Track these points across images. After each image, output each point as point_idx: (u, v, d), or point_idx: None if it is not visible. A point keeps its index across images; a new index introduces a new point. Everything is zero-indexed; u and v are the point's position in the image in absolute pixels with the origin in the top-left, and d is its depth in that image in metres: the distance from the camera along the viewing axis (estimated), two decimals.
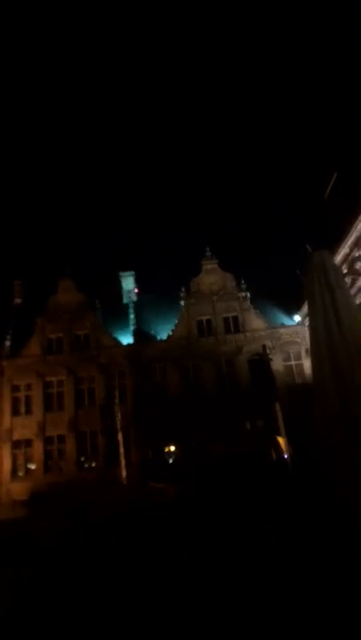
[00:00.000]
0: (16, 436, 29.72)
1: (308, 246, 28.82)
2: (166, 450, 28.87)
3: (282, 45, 60.92)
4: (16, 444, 29.72)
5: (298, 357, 29.71)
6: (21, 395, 30.54)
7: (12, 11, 56.34)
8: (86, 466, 29.34)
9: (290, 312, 30.35)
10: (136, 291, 34.00)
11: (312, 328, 5.69)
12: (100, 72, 69.02)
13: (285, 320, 30.58)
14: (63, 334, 31.31)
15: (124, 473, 25.48)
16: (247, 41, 62.92)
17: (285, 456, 26.71)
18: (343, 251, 26.33)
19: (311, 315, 5.81)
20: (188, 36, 64.12)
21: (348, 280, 26.40)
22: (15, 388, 30.55)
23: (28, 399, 30.44)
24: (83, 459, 29.52)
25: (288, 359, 29.79)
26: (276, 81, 62.15)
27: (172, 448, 28.81)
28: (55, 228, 62.95)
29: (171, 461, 28.50)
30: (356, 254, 25.45)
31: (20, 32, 65.21)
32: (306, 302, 27.91)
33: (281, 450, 27.05)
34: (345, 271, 26.43)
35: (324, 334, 5.25)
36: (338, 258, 26.26)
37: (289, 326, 30.14)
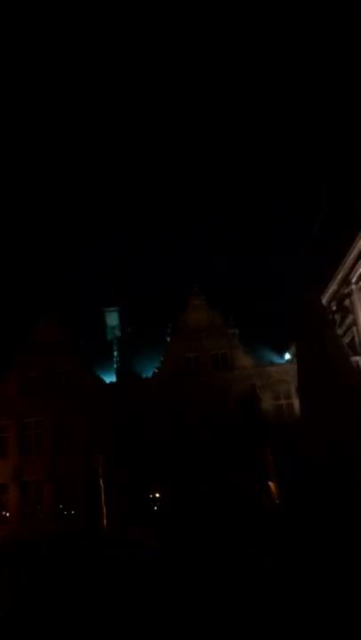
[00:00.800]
0: None
1: (297, 285, 28.51)
2: (150, 495, 27.30)
3: (283, 45, 62.55)
4: None
5: (288, 396, 28.86)
6: None
7: (12, 10, 57.32)
8: (65, 513, 27.49)
9: (280, 350, 29.76)
10: (129, 328, 33.09)
11: (301, 367, 5.88)
12: (99, 71, 70.13)
13: (275, 358, 29.92)
14: (43, 372, 29.99)
15: (105, 521, 23.88)
16: (247, 40, 64.69)
17: (277, 501, 25.44)
18: (332, 288, 26.05)
19: (300, 353, 6.09)
20: (188, 34, 65.88)
21: (336, 318, 26.01)
22: None
23: (3, 441, 28.76)
24: (61, 506, 27.69)
25: (278, 398, 28.93)
26: (276, 82, 63.61)
27: (157, 495, 27.27)
28: (38, 260, 62.23)
29: (155, 508, 26.93)
30: (345, 291, 25.17)
31: (19, 31, 66.37)
32: (295, 341, 27.46)
33: (272, 495, 25.80)
34: (334, 308, 26.07)
35: (313, 373, 5.42)
36: (326, 295, 25.97)
37: (279, 364, 29.44)
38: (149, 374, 30.14)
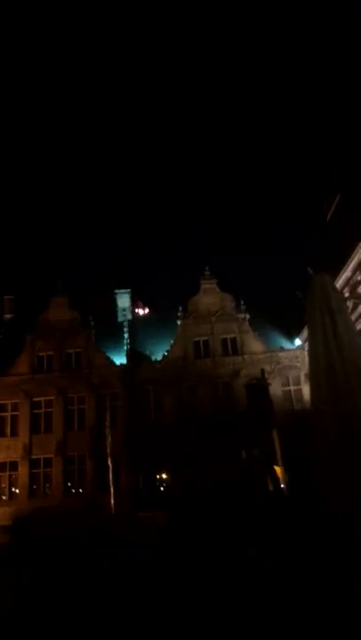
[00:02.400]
0: (0, 458, 28.32)
1: (309, 269, 28.16)
2: (158, 477, 27.56)
3: (284, 45, 61.40)
4: (0, 467, 28.30)
5: (297, 382, 28.73)
6: (7, 415, 29.23)
7: (13, 10, 56.67)
8: (73, 491, 27.92)
9: (290, 335, 29.50)
10: (141, 310, 33.00)
11: (312, 352, 5.73)
12: (99, 72, 69.45)
13: (285, 344, 29.69)
14: (54, 352, 30.18)
15: (112, 500, 24.19)
16: (248, 40, 63.53)
17: (282, 486, 25.55)
18: (345, 274, 25.64)
19: (311, 339, 5.84)
20: (189, 34, 64.82)
21: (349, 304, 25.67)
22: (1, 408, 29.28)
23: (14, 419, 29.12)
24: (70, 484, 28.11)
25: (287, 384, 28.80)
26: (277, 84, 62.45)
27: (164, 475, 27.51)
28: (50, 243, 62.38)
29: (162, 489, 27.19)
30: (359, 278, 24.77)
31: (20, 31, 65.68)
32: (306, 326, 27.22)
33: (278, 479, 25.89)
34: (346, 295, 25.71)
35: (324, 359, 5.30)
36: (339, 281, 25.58)
37: (289, 350, 29.23)
38: (159, 357, 30.14)
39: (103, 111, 69.63)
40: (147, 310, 33.43)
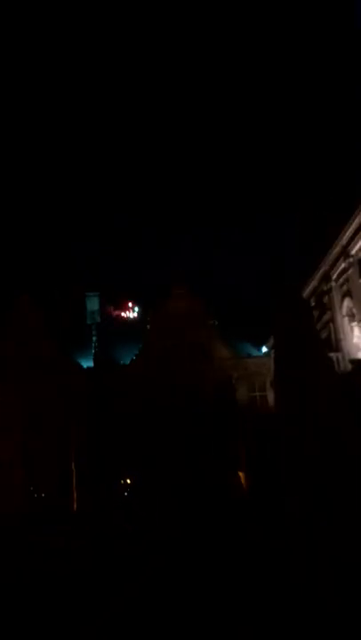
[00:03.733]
0: None
1: (278, 279, 28.70)
2: (122, 482, 27.42)
3: (285, 45, 62.07)
4: None
5: (263, 389, 29.18)
6: None
7: (13, 10, 55.56)
8: (36, 496, 27.37)
9: (257, 343, 29.99)
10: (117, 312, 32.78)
11: (277, 360, 5.89)
12: (98, 71, 68.66)
13: (252, 351, 30.17)
14: (18, 355, 29.56)
15: (75, 505, 23.95)
16: (249, 40, 63.96)
17: (243, 491, 25.84)
18: (312, 284, 26.33)
19: (277, 346, 6.11)
20: (189, 33, 64.87)
21: (315, 314, 26.33)
22: None
23: None
24: (32, 488, 27.55)
25: (253, 390, 29.23)
26: (276, 85, 63.15)
27: (128, 481, 27.40)
28: (19, 241, 61.04)
29: (126, 494, 27.07)
30: (325, 288, 25.48)
31: (20, 30, 64.41)
32: (272, 334, 27.74)
33: (241, 484, 26.21)
34: (312, 304, 26.37)
35: (290, 366, 5.42)
36: (306, 291, 26.25)
37: (256, 357, 29.69)
38: (127, 361, 30.05)
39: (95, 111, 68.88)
40: (116, 313, 33.34)
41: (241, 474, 26.23)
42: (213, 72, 67.25)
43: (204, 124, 68.40)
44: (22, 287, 31.53)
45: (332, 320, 24.29)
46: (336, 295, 23.93)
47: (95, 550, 14.19)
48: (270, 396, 28.60)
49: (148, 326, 30.56)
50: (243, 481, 26.08)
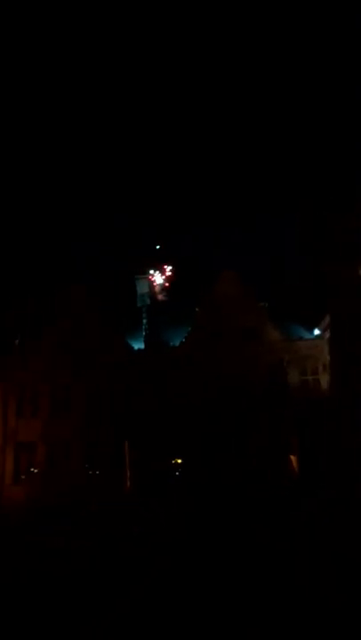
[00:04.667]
0: (20, 438, 28.99)
1: (331, 257, 27.75)
2: (173, 461, 27.88)
3: (285, 45, 59.95)
4: (20, 447, 28.97)
5: (315, 372, 28.55)
6: (28, 396, 29.81)
7: (13, 10, 56.33)
8: (90, 473, 28.43)
9: (309, 325, 29.23)
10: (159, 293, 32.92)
11: (334, 341, 5.64)
12: (99, 70, 68.69)
13: (304, 333, 29.47)
14: (73, 338, 30.53)
15: (128, 482, 24.65)
16: (249, 40, 62.17)
17: (296, 474, 25.60)
18: None
19: (333, 328, 5.79)
20: (189, 32, 63.59)
21: None
22: (22, 389, 29.83)
23: (34, 401, 29.70)
24: (87, 465, 28.63)
25: (305, 373, 28.65)
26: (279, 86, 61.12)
27: (180, 460, 27.81)
28: (70, 227, 62.54)
29: (177, 473, 27.53)
30: None
31: (20, 30, 65.35)
32: (328, 315, 26.98)
33: (293, 467, 25.98)
34: None
35: (348, 347, 5.18)
36: None
37: (308, 339, 29.01)
38: (177, 343, 30.24)
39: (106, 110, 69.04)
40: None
41: (293, 457, 25.98)
42: (213, 72, 65.42)
43: (204, 124, 67.03)
44: (75, 270, 32.39)
45: None
46: None
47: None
48: (323, 380, 27.99)
49: (197, 309, 30.53)
50: (294, 465, 25.84)
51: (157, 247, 33.37)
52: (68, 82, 68.66)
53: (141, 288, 33.15)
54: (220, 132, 65.74)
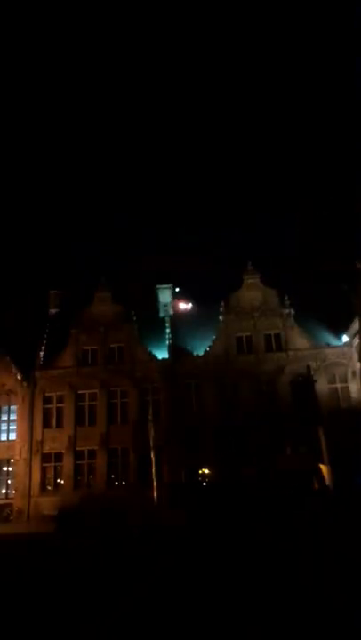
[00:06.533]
0: (46, 449, 29.05)
1: (356, 261, 27.26)
2: (200, 472, 27.48)
3: (285, 45, 59.73)
4: (46, 457, 29.02)
5: (344, 380, 27.92)
6: (53, 407, 29.91)
7: (13, 10, 57.55)
8: (116, 483, 28.28)
9: (337, 331, 28.63)
10: (183, 305, 32.74)
11: None
12: (99, 71, 69.55)
13: (331, 340, 28.85)
14: (98, 346, 30.62)
15: (155, 493, 24.33)
16: (249, 39, 62.17)
17: (328, 484, 24.90)
18: None
19: None
20: (190, 31, 63.97)
21: None
22: (47, 400, 29.96)
23: (59, 411, 29.77)
24: (113, 476, 28.49)
25: (333, 381, 28.04)
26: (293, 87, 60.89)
27: (206, 470, 27.39)
28: (94, 239, 63.21)
29: (205, 484, 27.07)
30: None
31: (20, 30, 66.74)
32: (355, 321, 26.37)
33: (323, 477, 25.28)
34: None
35: None
36: None
37: (335, 346, 28.41)
38: (201, 352, 29.98)
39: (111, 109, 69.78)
40: (189, 305, 33.26)
41: (323, 467, 25.33)
42: (213, 72, 65.56)
43: (205, 124, 67.03)
44: (100, 282, 32.50)
45: None
46: None
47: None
48: (353, 387, 27.32)
49: (221, 317, 30.26)
50: (325, 474, 25.17)
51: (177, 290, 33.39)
52: (69, 82, 69.82)
53: (164, 298, 33.09)
54: (219, 132, 65.74)
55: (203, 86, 67.71)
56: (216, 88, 66.43)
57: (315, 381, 26.51)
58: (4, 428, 29.96)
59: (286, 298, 29.59)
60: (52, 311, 34.28)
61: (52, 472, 28.95)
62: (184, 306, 33.31)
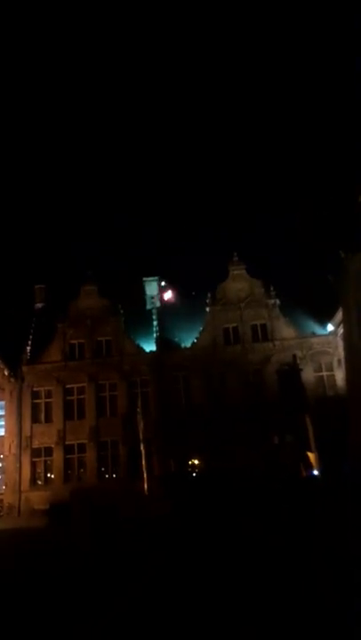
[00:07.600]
0: (36, 444, 29.03)
1: (340, 251, 27.54)
2: (190, 462, 27.74)
3: (285, 45, 59.68)
4: (36, 452, 29.02)
5: (330, 368, 28.31)
6: (41, 401, 29.84)
7: (13, 10, 56.62)
8: (107, 476, 28.43)
9: (322, 320, 28.95)
10: (169, 296, 32.66)
11: (347, 336, 5.65)
12: (99, 71, 68.85)
13: (317, 329, 29.19)
14: (85, 340, 30.55)
15: (145, 485, 24.51)
16: (249, 39, 61.95)
17: (315, 472, 25.31)
18: None
19: (346, 323, 5.76)
20: (190, 31, 63.50)
21: None
22: (35, 395, 29.87)
23: (48, 406, 29.71)
24: (103, 469, 28.62)
25: (319, 370, 28.41)
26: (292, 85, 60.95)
27: (196, 461, 27.65)
28: (78, 231, 62.77)
29: (194, 475, 27.35)
30: None
31: (20, 30, 65.69)
32: (340, 310, 26.67)
33: (311, 465, 25.68)
34: None
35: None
36: None
37: (321, 335, 28.75)
38: (188, 344, 30.12)
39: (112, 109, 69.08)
40: (176, 297, 33.23)
41: (310, 454, 25.72)
42: (213, 72, 65.27)
43: (205, 124, 66.89)
44: (85, 275, 32.33)
45: None
46: None
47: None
48: (338, 376, 27.70)
49: (208, 309, 30.36)
50: (313, 462, 25.56)
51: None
52: (69, 82, 68.96)
53: (150, 290, 33.01)
54: (220, 133, 65.64)
55: (202, 86, 67.24)
56: (216, 88, 65.99)
57: (301, 370, 26.80)
58: None
59: (272, 288, 29.81)
60: (38, 306, 34.02)
61: (42, 467, 28.96)
62: (171, 297, 33.30)
